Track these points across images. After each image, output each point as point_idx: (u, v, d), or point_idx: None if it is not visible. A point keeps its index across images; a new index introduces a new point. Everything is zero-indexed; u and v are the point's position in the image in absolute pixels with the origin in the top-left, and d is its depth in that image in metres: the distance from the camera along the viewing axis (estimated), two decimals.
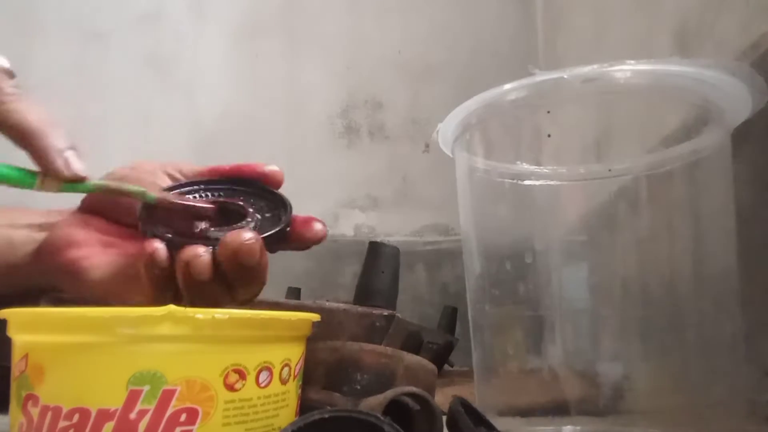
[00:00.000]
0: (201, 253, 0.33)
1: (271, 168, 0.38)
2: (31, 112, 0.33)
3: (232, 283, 0.35)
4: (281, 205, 0.38)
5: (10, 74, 0.34)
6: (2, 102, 0.33)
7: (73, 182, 0.34)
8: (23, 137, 0.33)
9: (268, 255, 0.37)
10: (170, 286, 0.35)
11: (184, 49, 1.47)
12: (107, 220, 0.39)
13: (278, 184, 0.39)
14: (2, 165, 0.33)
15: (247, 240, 0.34)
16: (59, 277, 0.38)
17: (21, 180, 0.33)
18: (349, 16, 1.48)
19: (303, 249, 0.38)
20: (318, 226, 0.38)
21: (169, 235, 0.35)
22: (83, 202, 0.40)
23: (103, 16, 1.47)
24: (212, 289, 0.35)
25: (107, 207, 0.39)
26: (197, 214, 0.36)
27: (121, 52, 1.45)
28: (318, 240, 0.38)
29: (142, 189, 0.36)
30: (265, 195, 0.39)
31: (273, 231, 0.36)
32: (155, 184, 0.38)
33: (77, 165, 0.34)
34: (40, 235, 0.39)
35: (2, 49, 0.36)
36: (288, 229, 0.37)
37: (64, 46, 1.44)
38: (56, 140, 0.33)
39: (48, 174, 0.33)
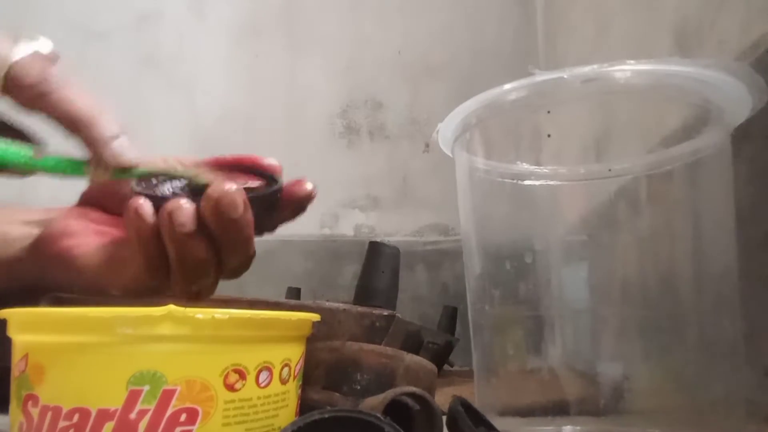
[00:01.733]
0: (183, 203, 0.33)
1: (270, 161, 0.38)
2: (78, 100, 0.33)
3: (218, 242, 0.35)
4: (274, 182, 0.38)
5: (54, 59, 0.34)
6: (50, 92, 0.33)
7: (123, 170, 0.34)
8: (73, 126, 0.33)
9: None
10: (161, 260, 0.34)
11: (184, 49, 1.47)
12: (105, 212, 0.39)
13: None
14: (53, 158, 0.33)
15: (229, 189, 0.33)
16: (52, 266, 0.37)
17: (70, 170, 0.33)
18: (349, 16, 1.48)
19: (295, 214, 0.38)
20: (308, 185, 0.37)
21: (155, 193, 0.35)
22: (83, 195, 0.40)
23: (103, 16, 1.47)
24: (198, 247, 0.34)
25: (106, 198, 0.39)
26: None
27: (122, 52, 1.45)
28: (309, 196, 0.37)
29: (193, 171, 0.35)
30: (263, 178, 0.39)
31: (263, 192, 0.36)
32: None
33: (126, 153, 0.34)
34: (37, 231, 0.39)
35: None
36: (279, 194, 0.37)
37: (64, 46, 1.43)
38: (105, 128, 0.33)
39: (99, 163, 0.33)
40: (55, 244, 0.37)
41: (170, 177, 0.36)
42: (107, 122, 0.33)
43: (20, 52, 0.33)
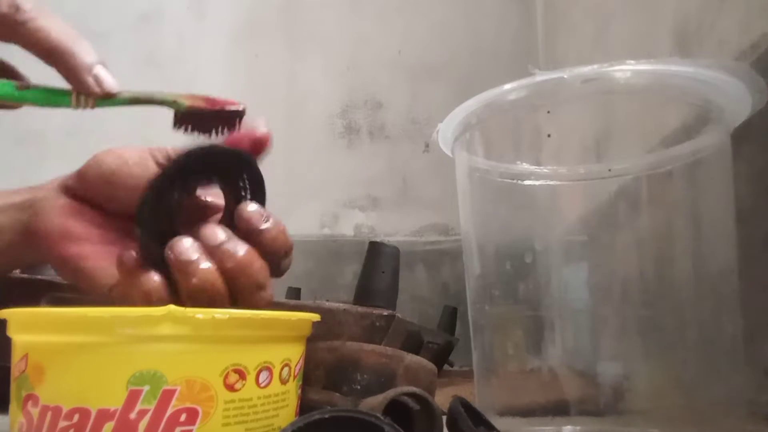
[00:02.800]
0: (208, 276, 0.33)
1: (262, 132, 0.38)
2: (54, 29, 0.33)
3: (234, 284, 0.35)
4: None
5: None
6: (25, 20, 0.33)
7: (106, 98, 0.34)
8: (50, 55, 0.33)
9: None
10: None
11: (184, 49, 1.47)
12: (102, 213, 0.38)
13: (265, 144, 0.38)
14: (36, 89, 0.33)
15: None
16: (59, 268, 0.37)
17: (54, 100, 0.33)
18: (349, 16, 1.48)
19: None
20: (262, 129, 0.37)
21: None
22: (68, 188, 0.38)
23: (103, 16, 1.47)
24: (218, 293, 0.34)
25: (102, 197, 0.38)
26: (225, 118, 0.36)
27: (122, 52, 1.45)
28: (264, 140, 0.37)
29: (172, 98, 0.35)
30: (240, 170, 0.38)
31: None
32: (144, 176, 0.36)
33: (108, 80, 0.34)
34: (26, 216, 0.37)
35: (2, 49, 0.36)
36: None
37: None
38: (84, 57, 0.33)
39: (81, 92, 0.33)
40: (59, 247, 0.36)
41: (152, 102, 0.35)
42: (85, 51, 0.33)
43: None
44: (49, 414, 0.27)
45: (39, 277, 0.55)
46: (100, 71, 0.33)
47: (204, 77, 1.46)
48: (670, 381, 0.45)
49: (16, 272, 0.60)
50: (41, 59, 0.33)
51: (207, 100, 0.36)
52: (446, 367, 0.89)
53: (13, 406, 0.29)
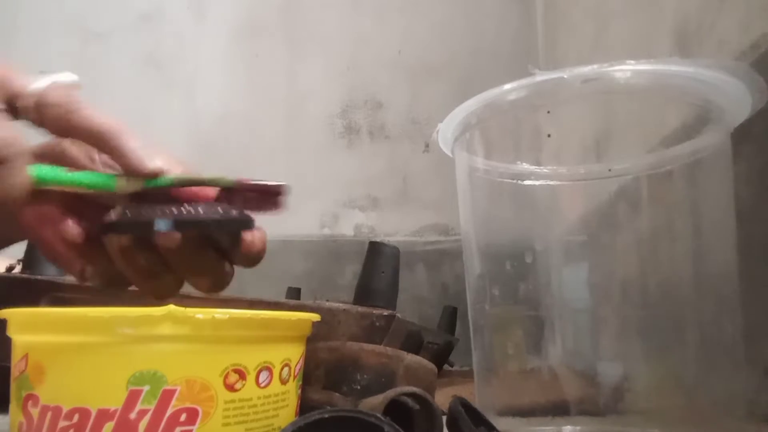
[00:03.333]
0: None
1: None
2: (102, 116, 0.34)
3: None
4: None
5: (76, 86, 0.35)
6: (76, 109, 0.34)
7: (154, 178, 0.34)
8: (101, 140, 0.34)
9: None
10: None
11: (184, 49, 1.47)
12: (78, 198, 0.37)
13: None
14: (82, 173, 0.33)
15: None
16: (41, 251, 0.37)
17: (102, 184, 0.33)
18: (349, 16, 1.48)
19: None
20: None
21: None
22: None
23: (103, 16, 1.47)
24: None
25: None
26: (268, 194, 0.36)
27: (121, 52, 1.45)
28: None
29: (218, 176, 0.36)
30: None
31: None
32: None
33: (156, 161, 0.34)
34: None
35: (2, 49, 0.36)
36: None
37: (64, 46, 1.44)
38: (132, 140, 0.34)
39: (130, 174, 0.34)
40: (34, 229, 0.36)
41: (195, 183, 0.35)
42: (132, 135, 0.34)
43: (44, 82, 0.34)
44: (49, 414, 0.27)
45: (39, 277, 0.55)
46: (147, 153, 0.34)
47: (204, 77, 1.46)
48: (670, 381, 0.45)
49: (16, 272, 0.60)
50: (93, 145, 0.34)
51: (250, 183, 0.37)
52: (446, 367, 0.89)
53: (13, 406, 0.29)
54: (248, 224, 0.35)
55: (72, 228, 0.34)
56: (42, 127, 0.35)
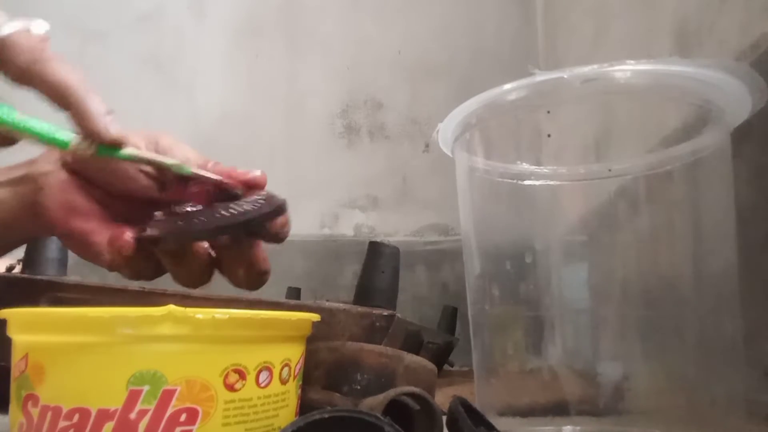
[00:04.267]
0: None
1: (256, 174, 0.37)
2: (71, 73, 0.33)
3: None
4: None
5: (46, 39, 0.34)
6: (44, 60, 0.33)
7: (112, 146, 0.34)
8: (64, 96, 0.33)
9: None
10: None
11: (184, 49, 1.47)
12: (103, 191, 0.38)
13: (261, 187, 0.38)
14: (37, 121, 0.32)
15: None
16: (65, 242, 0.37)
17: (54, 138, 0.32)
18: (349, 15, 1.48)
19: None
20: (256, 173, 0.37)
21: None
22: (68, 163, 0.37)
23: (103, 16, 1.47)
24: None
25: (96, 170, 0.37)
26: (226, 191, 0.36)
27: (121, 52, 1.45)
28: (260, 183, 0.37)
29: (177, 162, 0.35)
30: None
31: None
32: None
33: (117, 129, 0.34)
34: (28, 190, 0.37)
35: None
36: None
37: (64, 46, 1.44)
38: (96, 103, 0.33)
39: (89, 136, 0.33)
40: (65, 221, 0.36)
41: (155, 164, 0.35)
42: (98, 98, 0.33)
43: (12, 26, 0.33)
44: (49, 414, 0.27)
45: (39, 277, 0.55)
46: (110, 119, 0.33)
47: (204, 77, 1.46)
48: (670, 381, 0.45)
49: (16, 272, 0.60)
50: (52, 101, 0.33)
51: (207, 176, 0.36)
52: (446, 367, 0.89)
53: (13, 406, 0.29)
54: (281, 211, 0.35)
55: (127, 241, 0.34)
56: (4, 72, 0.33)
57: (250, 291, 0.39)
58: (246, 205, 0.35)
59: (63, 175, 0.37)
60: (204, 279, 0.38)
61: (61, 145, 0.32)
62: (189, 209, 0.36)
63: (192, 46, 1.47)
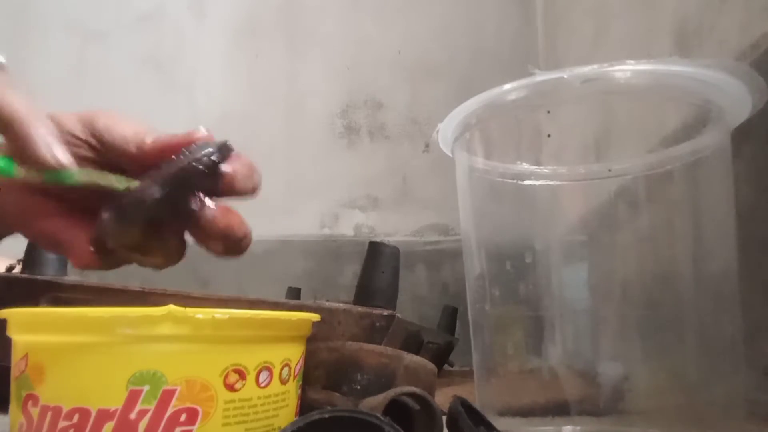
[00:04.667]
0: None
1: (198, 133, 0.36)
2: (17, 100, 0.32)
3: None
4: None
5: (2, 68, 0.33)
6: None
7: (56, 171, 0.33)
8: (8, 124, 0.32)
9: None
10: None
11: (184, 49, 1.47)
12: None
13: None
14: None
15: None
16: (38, 243, 0.37)
17: (2, 166, 0.31)
18: (349, 15, 1.48)
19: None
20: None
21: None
22: None
23: (103, 16, 1.47)
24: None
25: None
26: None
27: (121, 52, 1.45)
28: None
29: (127, 180, 0.34)
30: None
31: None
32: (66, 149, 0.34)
33: (61, 154, 0.33)
34: None
35: (2, 49, 0.35)
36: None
37: (64, 46, 1.44)
38: (41, 129, 0.32)
39: (32, 164, 0.32)
40: (31, 225, 0.36)
41: (97, 185, 0.34)
42: (43, 124, 0.32)
43: None
44: (49, 414, 0.27)
45: (39, 277, 0.55)
46: (54, 144, 0.33)
47: (204, 77, 1.46)
48: (670, 381, 0.45)
49: (16, 272, 0.60)
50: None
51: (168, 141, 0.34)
52: (446, 367, 0.89)
53: (13, 406, 0.29)
54: (224, 151, 0.33)
55: (93, 258, 0.33)
56: None
57: (234, 258, 0.37)
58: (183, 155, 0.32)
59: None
60: (176, 258, 0.36)
61: (8, 174, 0.32)
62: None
63: (192, 46, 1.47)
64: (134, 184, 0.33)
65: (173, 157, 0.33)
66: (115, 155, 0.35)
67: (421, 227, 1.40)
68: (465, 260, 0.53)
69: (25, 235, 0.37)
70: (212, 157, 0.33)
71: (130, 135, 0.35)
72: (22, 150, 0.32)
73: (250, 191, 0.35)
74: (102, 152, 0.35)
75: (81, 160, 0.34)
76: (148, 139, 0.35)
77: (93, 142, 0.35)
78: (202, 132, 0.35)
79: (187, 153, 0.33)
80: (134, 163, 0.35)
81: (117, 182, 0.34)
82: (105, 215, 0.33)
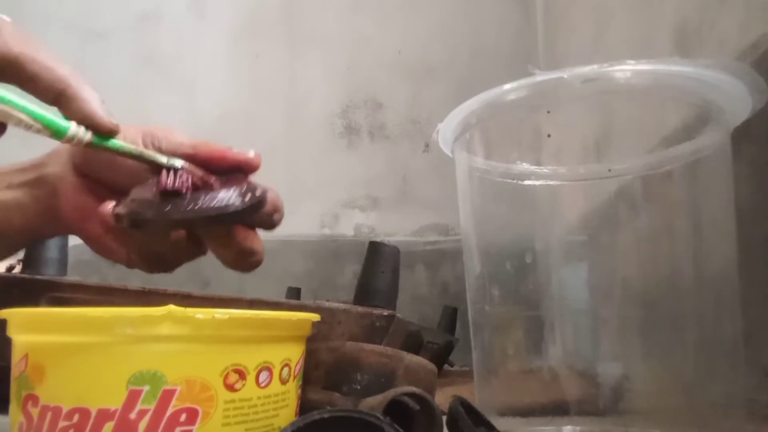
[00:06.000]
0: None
1: (250, 155, 0.37)
2: (61, 62, 0.32)
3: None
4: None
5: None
6: (35, 47, 0.32)
7: (108, 135, 0.33)
8: (60, 83, 0.31)
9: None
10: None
11: (184, 49, 1.47)
12: (110, 189, 0.37)
13: (254, 169, 0.37)
14: (38, 108, 0.30)
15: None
16: (86, 242, 0.38)
17: (55, 126, 0.31)
18: (349, 15, 1.48)
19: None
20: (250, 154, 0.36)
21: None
22: (77, 165, 0.38)
23: (103, 16, 1.47)
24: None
25: (105, 170, 0.37)
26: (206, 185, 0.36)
27: (121, 52, 1.45)
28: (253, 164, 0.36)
29: (165, 157, 0.35)
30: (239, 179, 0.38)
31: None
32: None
33: (113, 118, 0.33)
34: (42, 193, 0.38)
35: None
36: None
37: (64, 46, 1.44)
38: (93, 91, 0.32)
39: (85, 123, 0.32)
40: (82, 226, 0.37)
41: (144, 159, 0.34)
42: (91, 88, 0.32)
43: None
44: (49, 414, 0.27)
45: (39, 277, 0.55)
46: (106, 109, 0.33)
47: (204, 77, 1.46)
48: (670, 381, 0.45)
49: (16, 272, 0.60)
50: (47, 89, 0.32)
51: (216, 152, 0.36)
52: (446, 367, 0.89)
53: (13, 406, 0.29)
54: (257, 207, 0.34)
55: (106, 210, 0.34)
56: None
57: (243, 272, 0.38)
58: (223, 195, 0.34)
59: (75, 179, 0.37)
60: (189, 256, 0.37)
61: (57, 132, 0.31)
62: (164, 195, 0.34)
63: (192, 46, 1.47)
64: (177, 161, 0.34)
65: (222, 191, 0.34)
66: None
67: (421, 227, 1.40)
68: (465, 260, 0.53)
69: (80, 237, 0.38)
70: (252, 212, 0.34)
71: (186, 139, 0.37)
72: (75, 109, 0.32)
73: (273, 227, 0.37)
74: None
75: (139, 165, 0.36)
76: (202, 141, 0.37)
77: (152, 149, 0.36)
78: (254, 158, 0.37)
79: (230, 199, 0.34)
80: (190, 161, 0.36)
81: (159, 157, 0.34)
82: (135, 199, 0.34)
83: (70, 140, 0.32)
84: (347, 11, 1.48)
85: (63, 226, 0.38)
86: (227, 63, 1.47)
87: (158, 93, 1.43)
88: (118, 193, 0.36)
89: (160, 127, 0.37)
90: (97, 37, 1.45)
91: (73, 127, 0.32)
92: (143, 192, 0.35)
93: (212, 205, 0.33)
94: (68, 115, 0.32)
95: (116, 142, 0.33)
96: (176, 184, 0.34)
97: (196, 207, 0.33)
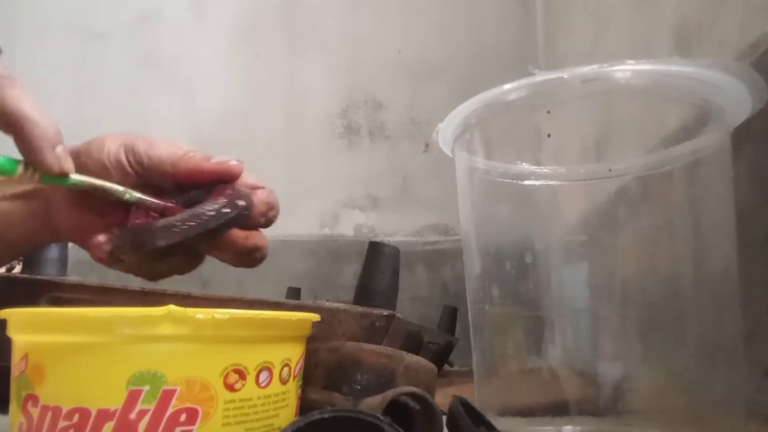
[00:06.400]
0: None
1: (231, 164, 0.37)
2: (25, 99, 0.32)
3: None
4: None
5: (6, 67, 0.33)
6: (2, 85, 0.32)
7: (56, 176, 0.33)
8: (15, 124, 0.32)
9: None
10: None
11: (183, 49, 1.47)
12: (101, 200, 0.38)
13: (235, 178, 0.37)
14: None
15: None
16: (89, 253, 0.38)
17: (2, 166, 0.31)
18: (350, 15, 1.48)
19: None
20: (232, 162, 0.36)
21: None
22: None
23: (103, 16, 1.47)
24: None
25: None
26: (169, 213, 0.36)
27: (121, 52, 1.45)
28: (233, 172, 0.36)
29: (122, 188, 0.35)
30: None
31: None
32: (110, 171, 0.36)
33: (67, 161, 0.33)
34: (37, 206, 0.38)
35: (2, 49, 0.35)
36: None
37: (64, 46, 1.44)
38: (48, 132, 0.32)
39: (33, 165, 0.32)
40: (79, 237, 0.37)
41: (101, 191, 0.35)
42: (50, 127, 0.32)
43: None
44: (49, 414, 0.27)
45: (39, 277, 0.55)
46: (60, 150, 0.33)
47: (204, 77, 1.46)
48: (670, 381, 0.45)
49: (16, 272, 0.60)
50: (6, 130, 0.32)
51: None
52: (446, 367, 0.89)
53: (13, 406, 0.29)
54: (241, 218, 0.35)
55: (104, 245, 0.34)
56: None
57: (248, 268, 0.38)
58: (207, 208, 0.34)
59: (69, 192, 0.37)
60: (189, 267, 0.38)
61: (8, 173, 0.32)
62: (148, 220, 0.36)
63: (192, 46, 1.47)
64: (134, 195, 0.34)
65: (205, 205, 0.35)
66: (154, 175, 0.37)
67: (421, 227, 1.40)
68: (465, 260, 0.53)
69: (82, 248, 0.38)
70: (244, 212, 0.35)
71: (165, 155, 0.37)
72: (27, 151, 0.32)
73: (268, 225, 0.38)
74: (141, 174, 0.37)
75: (124, 180, 0.36)
76: (182, 156, 0.37)
77: (134, 165, 0.36)
78: (234, 164, 0.37)
79: (214, 212, 0.34)
80: (169, 180, 0.37)
81: (117, 190, 0.34)
82: (121, 231, 0.34)
83: (21, 179, 0.32)
84: (347, 11, 1.48)
85: (60, 238, 0.39)
86: (227, 63, 1.47)
87: (158, 93, 1.43)
88: (113, 205, 0.36)
89: (144, 139, 0.37)
90: (97, 37, 1.45)
91: (20, 169, 0.32)
92: (132, 218, 0.36)
93: (197, 222, 0.34)
94: (22, 154, 0.32)
95: (69, 179, 0.34)
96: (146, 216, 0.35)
97: (184, 227, 0.34)
